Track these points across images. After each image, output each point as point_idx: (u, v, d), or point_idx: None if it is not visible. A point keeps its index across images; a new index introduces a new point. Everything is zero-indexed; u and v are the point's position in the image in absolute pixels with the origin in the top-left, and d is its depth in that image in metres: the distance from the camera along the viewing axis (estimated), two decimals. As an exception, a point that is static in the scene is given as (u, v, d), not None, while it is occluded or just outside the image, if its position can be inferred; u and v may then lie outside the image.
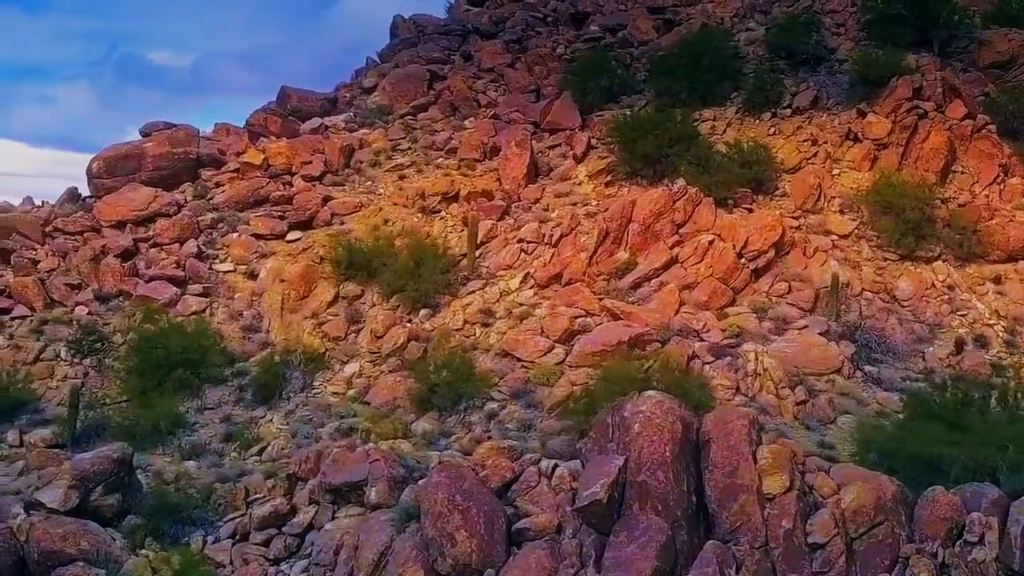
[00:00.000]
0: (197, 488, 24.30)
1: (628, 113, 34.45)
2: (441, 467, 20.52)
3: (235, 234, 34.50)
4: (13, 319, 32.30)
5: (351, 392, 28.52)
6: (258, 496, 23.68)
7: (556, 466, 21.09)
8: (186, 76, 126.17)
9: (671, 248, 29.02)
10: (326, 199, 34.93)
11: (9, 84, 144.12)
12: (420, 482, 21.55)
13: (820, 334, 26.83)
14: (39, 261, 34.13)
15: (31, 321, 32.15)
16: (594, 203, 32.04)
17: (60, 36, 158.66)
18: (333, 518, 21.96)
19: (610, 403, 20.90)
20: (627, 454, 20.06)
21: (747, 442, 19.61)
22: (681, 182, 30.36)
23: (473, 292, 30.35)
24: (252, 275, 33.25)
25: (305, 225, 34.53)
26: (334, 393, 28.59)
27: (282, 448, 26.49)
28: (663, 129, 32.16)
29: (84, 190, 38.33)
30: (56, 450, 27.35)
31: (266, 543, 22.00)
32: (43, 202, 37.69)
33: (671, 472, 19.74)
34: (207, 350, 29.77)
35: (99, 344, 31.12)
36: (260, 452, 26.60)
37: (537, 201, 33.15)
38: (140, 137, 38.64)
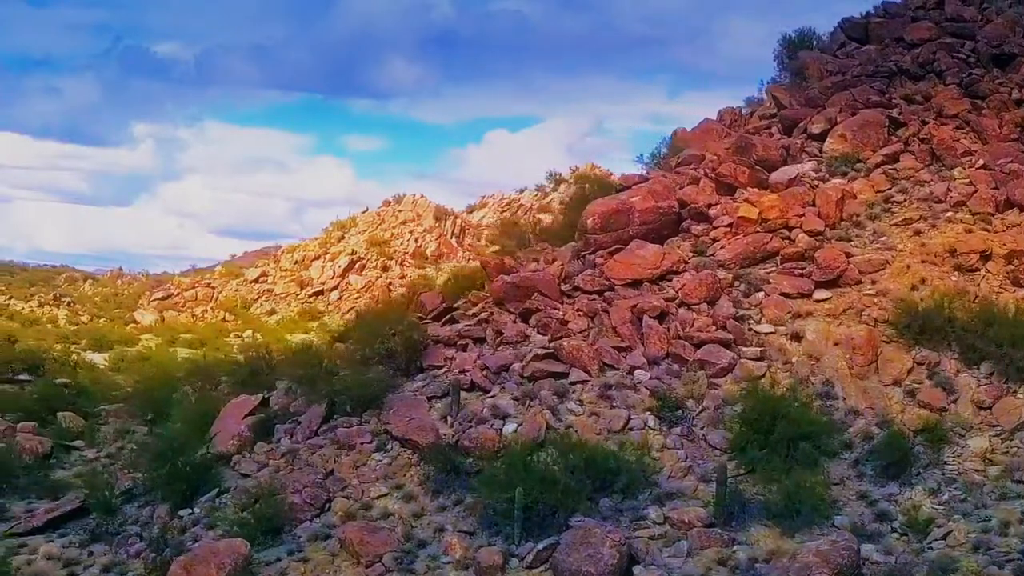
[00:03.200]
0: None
1: None
2: None
3: (761, 293, 34.19)
4: (573, 384, 32.21)
5: (992, 470, 28.12)
6: (1017, 592, 23.36)
7: None
8: (190, 68, 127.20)
9: None
10: (847, 255, 34.50)
11: (15, 76, 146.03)
12: None
13: None
14: (567, 322, 34.02)
15: (592, 386, 32.03)
16: None
17: (66, 28, 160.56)
18: None
19: None
20: None
21: None
22: None
23: (1081, 362, 29.83)
24: (795, 337, 32.92)
25: (831, 283, 34.13)
26: (975, 470, 28.18)
27: (968, 532, 26.10)
28: None
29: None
30: (714, 530, 27.26)
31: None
32: (500, 256, 37.73)
33: None
34: (815, 421, 29.48)
35: (678, 411, 30.96)
36: (944, 536, 26.25)
37: (1097, 262, 32.52)
38: (619, 191, 38.53)
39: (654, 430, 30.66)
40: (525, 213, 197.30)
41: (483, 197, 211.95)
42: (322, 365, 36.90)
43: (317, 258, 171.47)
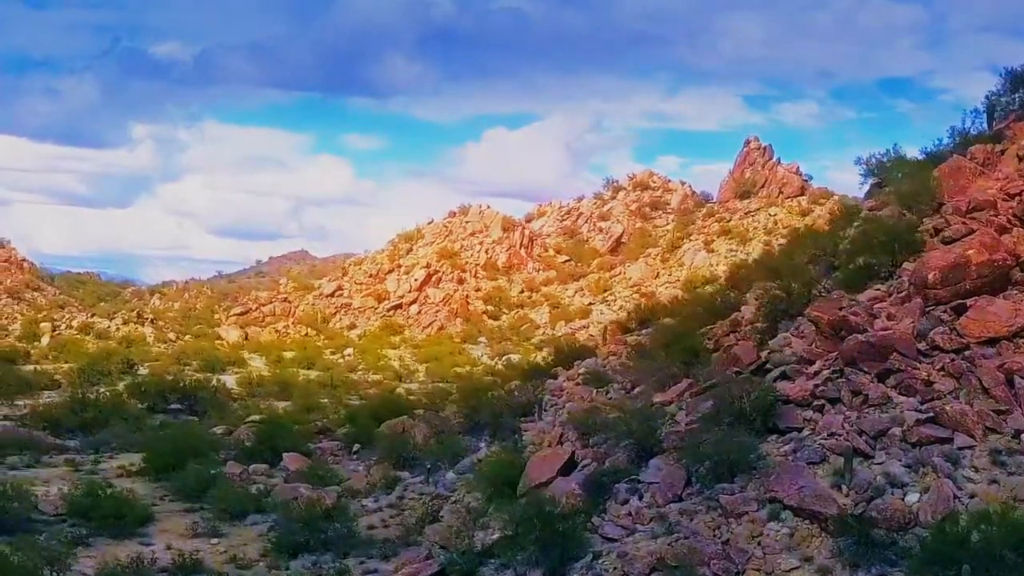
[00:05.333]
0: None
1: None
2: None
3: None
4: (959, 449, 31.55)
5: None
6: None
7: None
8: (189, 68, 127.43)
9: None
10: None
11: (14, 77, 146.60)
12: None
13: None
14: (932, 383, 33.39)
15: (980, 452, 31.36)
16: None
17: (66, 28, 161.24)
18: None
19: None
20: None
21: None
22: None
23: None
24: None
25: None
26: None
27: None
28: None
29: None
30: None
31: None
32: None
33: None
34: None
35: (1083, 480, 30.32)
36: None
37: None
38: (946, 243, 37.87)
39: (1081, 499, 29.99)
40: (585, 222, 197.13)
41: (540, 205, 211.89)
42: (650, 422, 36.38)
43: (391, 271, 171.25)
